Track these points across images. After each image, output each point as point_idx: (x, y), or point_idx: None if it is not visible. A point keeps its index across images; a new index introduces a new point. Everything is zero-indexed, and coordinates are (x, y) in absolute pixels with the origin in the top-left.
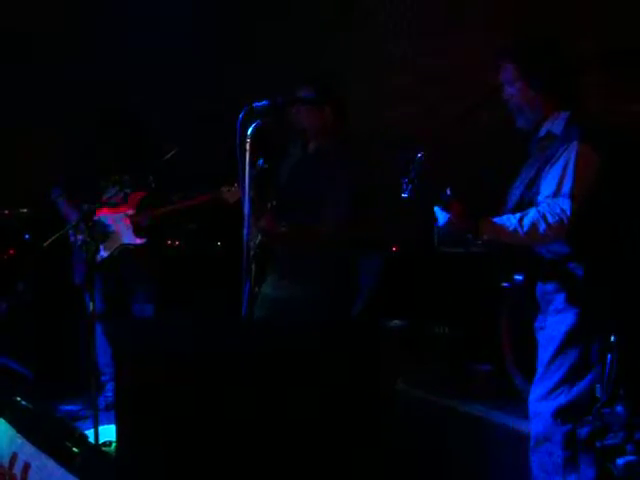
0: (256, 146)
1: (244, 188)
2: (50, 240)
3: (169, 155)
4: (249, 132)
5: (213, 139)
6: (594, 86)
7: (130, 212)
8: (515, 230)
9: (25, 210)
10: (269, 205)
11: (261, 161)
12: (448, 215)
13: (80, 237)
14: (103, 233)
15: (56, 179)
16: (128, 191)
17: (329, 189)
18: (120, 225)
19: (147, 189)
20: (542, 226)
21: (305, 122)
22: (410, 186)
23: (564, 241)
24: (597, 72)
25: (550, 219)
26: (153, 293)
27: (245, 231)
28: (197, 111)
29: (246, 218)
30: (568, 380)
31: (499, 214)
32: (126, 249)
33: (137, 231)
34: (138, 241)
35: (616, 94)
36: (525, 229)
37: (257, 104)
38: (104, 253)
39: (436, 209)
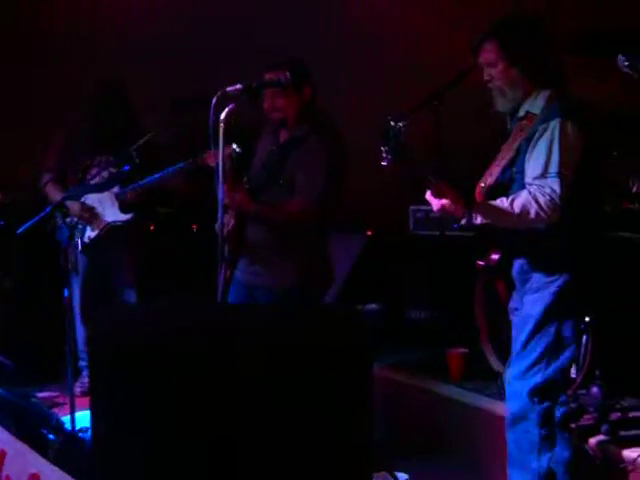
0: (230, 130)
1: (218, 170)
2: (25, 227)
3: (145, 139)
4: (222, 116)
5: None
6: (568, 66)
7: (115, 189)
8: (507, 213)
9: None
10: (242, 181)
11: (235, 145)
12: (440, 201)
13: (69, 219)
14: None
15: (48, 164)
16: (113, 170)
17: (304, 174)
18: (106, 203)
19: (131, 165)
20: (534, 207)
21: (281, 107)
22: (389, 155)
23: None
24: (571, 52)
25: (541, 200)
26: (136, 277)
27: (219, 215)
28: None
29: (220, 203)
30: (544, 359)
31: (476, 194)
32: (112, 228)
33: (123, 207)
34: (124, 217)
35: (588, 74)
36: (517, 211)
37: (230, 88)
38: (91, 233)
39: (428, 196)
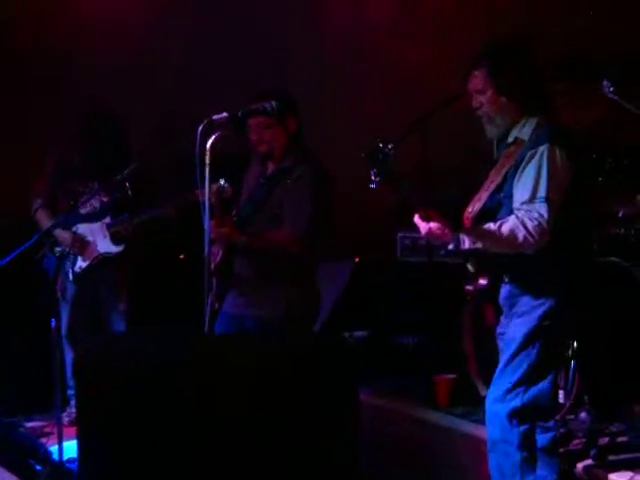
0: (218, 159)
1: (204, 201)
2: (9, 258)
3: (128, 170)
4: (208, 144)
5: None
6: (554, 92)
7: (107, 220)
8: (496, 238)
9: None
10: (231, 216)
11: (222, 181)
12: (428, 225)
13: (58, 249)
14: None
15: (39, 190)
16: (104, 199)
17: (291, 205)
18: (97, 234)
19: (123, 196)
20: (522, 232)
21: (267, 140)
22: (378, 178)
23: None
24: (556, 79)
25: (529, 224)
26: (126, 306)
27: (206, 246)
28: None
29: (207, 233)
30: (524, 383)
31: (463, 219)
32: (104, 259)
33: (115, 239)
34: (116, 249)
35: (574, 100)
36: (505, 235)
37: (216, 116)
38: (82, 263)
39: (416, 220)
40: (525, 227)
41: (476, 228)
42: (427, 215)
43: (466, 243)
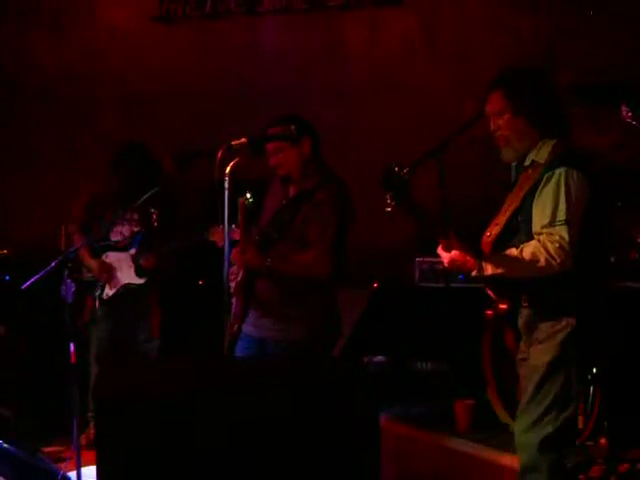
0: (240, 182)
1: (224, 225)
2: (30, 282)
3: (149, 194)
4: (227, 169)
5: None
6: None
7: (132, 251)
8: (518, 262)
9: (5, 251)
10: (254, 239)
11: (248, 195)
12: (450, 254)
13: (89, 274)
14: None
15: (74, 216)
16: (135, 229)
17: (315, 227)
18: (123, 264)
19: (149, 228)
20: (543, 255)
21: (282, 162)
22: (394, 202)
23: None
24: (573, 103)
25: (551, 247)
26: (158, 329)
27: (225, 268)
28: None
29: (226, 256)
30: (554, 410)
31: (482, 244)
32: (128, 288)
33: (138, 271)
34: (139, 281)
35: (583, 126)
36: (527, 259)
37: (235, 141)
38: (109, 291)
39: (438, 251)
40: (547, 250)
41: (498, 254)
42: (449, 245)
43: (489, 270)
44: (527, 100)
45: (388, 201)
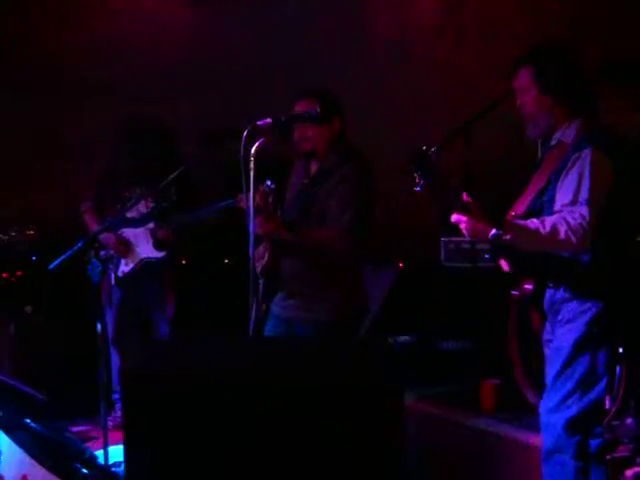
0: (263, 166)
1: (249, 206)
2: (57, 262)
3: (175, 174)
4: (253, 150)
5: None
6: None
7: (151, 225)
8: (537, 231)
9: (32, 232)
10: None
11: (269, 182)
12: (466, 217)
13: (103, 252)
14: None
15: (87, 194)
16: (150, 204)
17: (335, 203)
18: (141, 239)
19: (169, 202)
20: (564, 227)
21: (310, 137)
22: (422, 181)
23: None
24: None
25: (572, 222)
26: (171, 310)
27: (251, 249)
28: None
29: (251, 236)
30: (578, 391)
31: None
32: (147, 263)
33: (157, 244)
34: (158, 255)
35: (613, 105)
36: (547, 229)
37: (260, 122)
38: (125, 267)
39: (454, 218)
40: (568, 224)
41: (518, 222)
42: (466, 207)
43: (508, 236)
44: (555, 79)
45: (417, 180)
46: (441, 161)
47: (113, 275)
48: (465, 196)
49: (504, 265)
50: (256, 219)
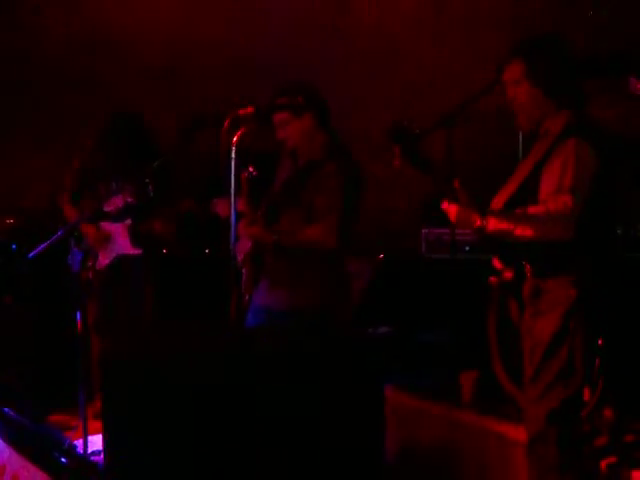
0: (245, 154)
1: (230, 196)
2: (37, 251)
3: (156, 164)
4: (234, 139)
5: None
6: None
7: (128, 222)
8: (520, 221)
9: (11, 220)
10: (259, 213)
11: (251, 168)
12: (455, 206)
13: (82, 244)
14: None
15: (65, 183)
16: (129, 200)
17: (322, 199)
18: (118, 235)
19: (145, 198)
20: (546, 216)
21: (289, 135)
22: (402, 156)
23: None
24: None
25: (554, 211)
26: (152, 301)
27: (232, 239)
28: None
29: (232, 226)
30: (559, 381)
31: (490, 210)
32: (124, 258)
33: (134, 241)
34: (134, 251)
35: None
36: (530, 218)
37: (242, 111)
38: (104, 261)
39: (443, 205)
40: (550, 213)
41: (503, 211)
42: (455, 195)
43: (491, 224)
44: (546, 72)
45: (396, 154)
46: (425, 146)
47: (92, 267)
48: (456, 183)
49: (496, 263)
50: (239, 223)
